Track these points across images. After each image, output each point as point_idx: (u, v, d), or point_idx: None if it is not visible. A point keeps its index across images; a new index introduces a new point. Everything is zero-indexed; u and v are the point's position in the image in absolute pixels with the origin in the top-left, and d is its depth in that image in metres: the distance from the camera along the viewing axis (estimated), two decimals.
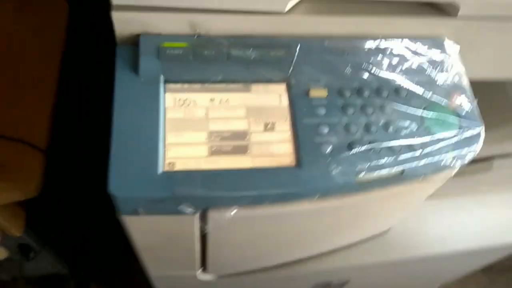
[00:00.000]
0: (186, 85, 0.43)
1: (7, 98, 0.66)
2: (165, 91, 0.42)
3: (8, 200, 0.63)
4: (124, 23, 0.41)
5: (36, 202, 0.65)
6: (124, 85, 0.42)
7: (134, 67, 0.42)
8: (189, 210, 0.40)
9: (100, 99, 0.50)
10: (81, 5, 0.75)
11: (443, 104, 0.46)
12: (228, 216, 0.41)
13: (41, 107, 0.67)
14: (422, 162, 0.43)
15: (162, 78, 0.42)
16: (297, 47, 0.45)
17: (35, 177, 0.63)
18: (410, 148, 0.43)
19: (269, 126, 0.43)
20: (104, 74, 0.46)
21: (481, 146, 0.45)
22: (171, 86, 0.43)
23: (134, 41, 0.43)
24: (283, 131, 0.43)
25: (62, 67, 0.69)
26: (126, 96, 0.41)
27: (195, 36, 0.43)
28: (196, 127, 0.42)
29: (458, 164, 0.44)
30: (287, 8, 0.42)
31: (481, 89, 0.50)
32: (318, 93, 0.44)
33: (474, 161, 0.48)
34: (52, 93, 0.68)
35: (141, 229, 0.44)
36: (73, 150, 0.79)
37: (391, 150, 0.43)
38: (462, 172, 0.49)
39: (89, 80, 0.79)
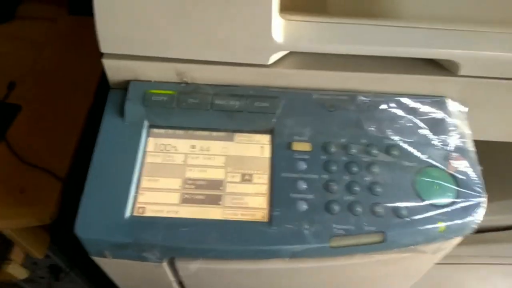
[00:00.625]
0: (169, 131, 0.44)
1: (38, 125, 0.70)
2: (148, 136, 0.43)
3: (24, 225, 0.67)
4: (114, 70, 0.44)
5: (62, 225, 0.68)
6: (108, 127, 0.43)
7: (121, 111, 0.44)
8: (153, 258, 0.39)
9: None
10: None
11: (439, 167, 0.42)
12: (194, 267, 0.40)
13: (67, 138, 0.71)
14: (409, 230, 0.39)
15: (146, 123, 0.44)
16: (283, 98, 0.44)
17: (51, 205, 0.66)
18: (396, 213, 0.40)
19: (246, 177, 0.42)
20: None
21: (481, 218, 0.40)
22: (155, 131, 0.44)
23: (126, 85, 0.45)
24: (260, 183, 0.42)
25: (93, 103, 0.73)
26: (109, 138, 0.43)
27: (182, 84, 0.44)
28: (172, 173, 0.42)
29: (452, 236, 0.40)
30: (270, 62, 0.42)
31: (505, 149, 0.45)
32: (301, 146, 0.43)
33: (501, 229, 0.44)
34: (80, 126, 0.73)
35: (115, 270, 0.45)
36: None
37: (374, 214, 0.40)
38: (487, 240, 0.44)
39: None
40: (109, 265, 0.43)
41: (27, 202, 0.65)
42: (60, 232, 0.79)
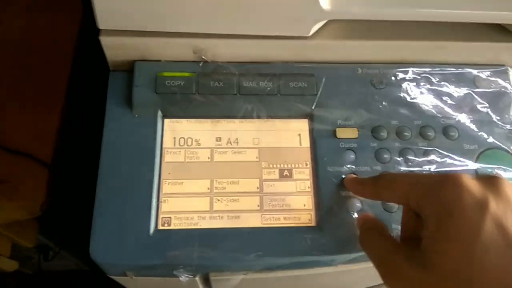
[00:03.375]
0: (188, 122, 0.36)
1: (11, 102, 0.60)
2: (163, 129, 0.36)
3: (12, 219, 0.60)
4: (115, 49, 0.35)
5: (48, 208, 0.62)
6: (114, 122, 0.35)
7: (127, 99, 0.36)
8: (186, 275, 0.34)
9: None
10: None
11: (503, 149, 0.37)
12: (233, 283, 0.35)
13: (48, 118, 0.62)
14: None
15: (159, 113, 0.36)
16: (322, 76, 0.37)
17: (40, 196, 0.58)
18: None
19: (285, 172, 0.36)
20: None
21: None
22: (171, 122, 0.36)
23: (130, 67, 0.37)
24: (302, 179, 0.36)
25: (71, 76, 0.64)
26: (116, 135, 0.35)
27: (200, 63, 0.36)
28: (198, 174, 0.35)
29: None
30: (311, 32, 0.34)
31: None
32: (347, 133, 0.36)
33: None
34: (61, 101, 0.63)
35: (136, 285, 0.39)
36: (79, 162, 0.74)
37: None
38: None
39: (97, 92, 0.74)
40: (131, 282, 0.37)
41: (12, 194, 0.58)
42: (47, 215, 0.73)
